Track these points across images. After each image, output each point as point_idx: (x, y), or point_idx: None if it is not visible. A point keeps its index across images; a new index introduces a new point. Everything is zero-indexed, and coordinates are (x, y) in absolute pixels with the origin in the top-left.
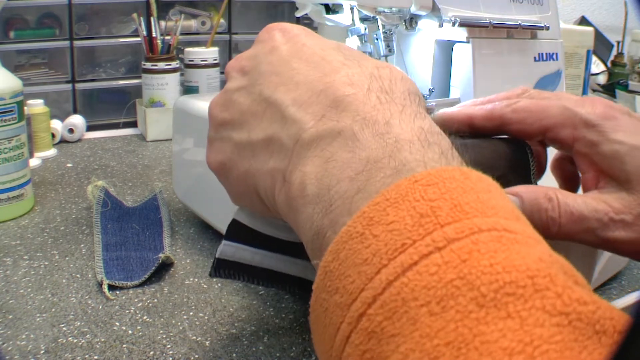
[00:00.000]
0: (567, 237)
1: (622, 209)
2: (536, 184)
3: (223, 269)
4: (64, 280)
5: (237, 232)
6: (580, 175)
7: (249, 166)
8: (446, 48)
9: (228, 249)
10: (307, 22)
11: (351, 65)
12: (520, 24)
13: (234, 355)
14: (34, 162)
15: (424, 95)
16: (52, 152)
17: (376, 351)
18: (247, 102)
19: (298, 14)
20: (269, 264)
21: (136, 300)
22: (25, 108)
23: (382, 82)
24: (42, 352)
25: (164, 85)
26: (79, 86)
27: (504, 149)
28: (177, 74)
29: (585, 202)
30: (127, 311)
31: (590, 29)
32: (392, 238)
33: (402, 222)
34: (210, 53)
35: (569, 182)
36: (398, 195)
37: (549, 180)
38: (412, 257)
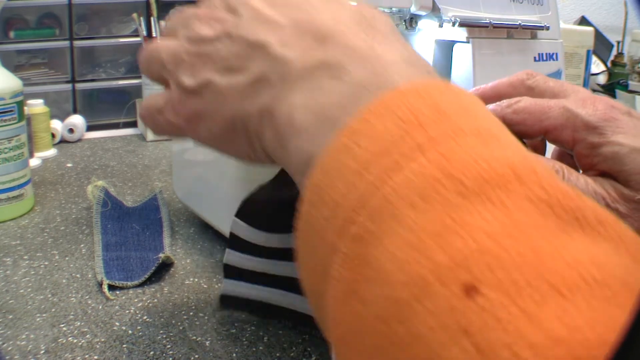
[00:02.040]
0: None
1: (617, 198)
2: None
3: (228, 303)
4: (64, 280)
5: (232, 273)
6: (580, 172)
7: (236, 109)
8: (446, 48)
9: (229, 286)
10: None
11: (333, 5)
12: (520, 24)
13: (234, 355)
14: (34, 162)
15: None
16: (52, 152)
17: (362, 254)
18: (232, 49)
19: None
20: (263, 296)
21: (136, 300)
22: (25, 108)
23: (365, 19)
24: (42, 352)
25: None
26: (79, 86)
27: None
28: None
29: (587, 182)
30: (127, 311)
31: (590, 29)
32: (376, 146)
33: (385, 130)
34: None
35: None
36: (381, 107)
37: None
38: (396, 162)
